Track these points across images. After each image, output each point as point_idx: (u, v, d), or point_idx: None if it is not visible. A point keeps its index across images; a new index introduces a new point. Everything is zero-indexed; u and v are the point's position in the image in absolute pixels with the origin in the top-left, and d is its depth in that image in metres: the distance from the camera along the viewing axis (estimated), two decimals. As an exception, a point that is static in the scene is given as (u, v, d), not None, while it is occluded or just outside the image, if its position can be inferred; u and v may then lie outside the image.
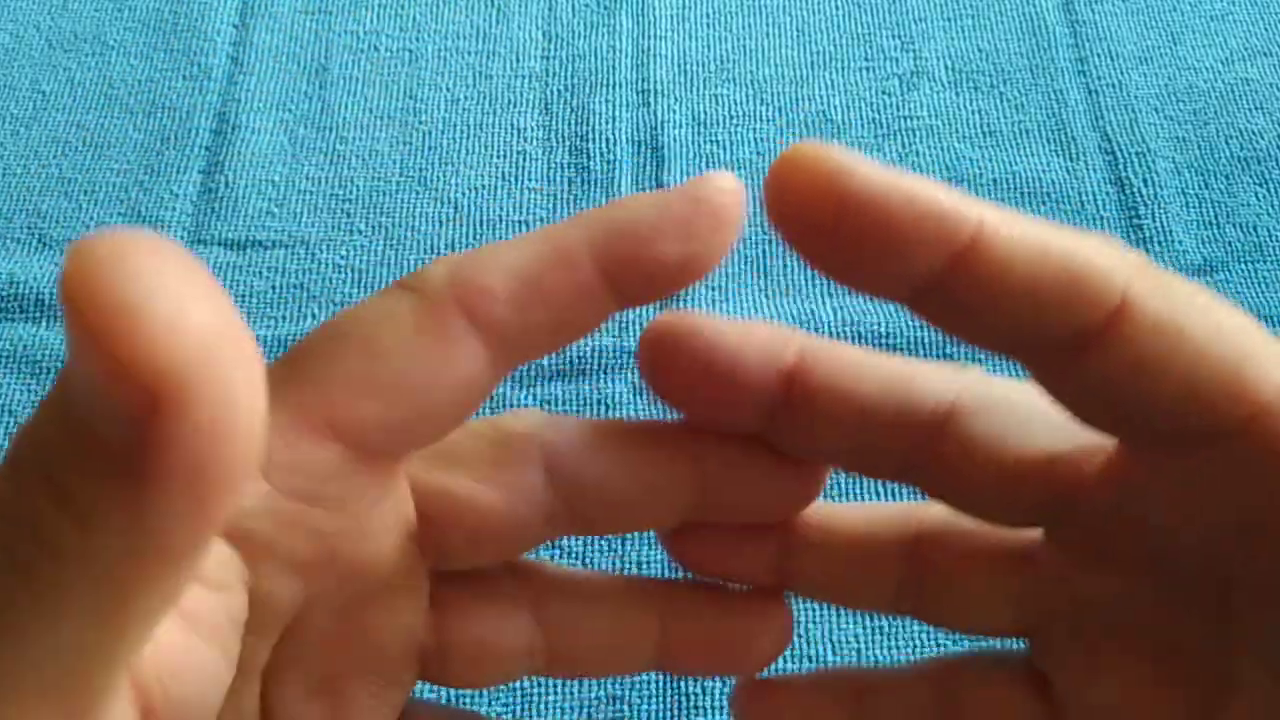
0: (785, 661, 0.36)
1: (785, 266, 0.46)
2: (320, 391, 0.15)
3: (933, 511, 0.20)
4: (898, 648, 0.37)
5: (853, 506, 0.20)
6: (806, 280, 0.45)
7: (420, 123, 0.51)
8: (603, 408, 0.42)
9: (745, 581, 0.20)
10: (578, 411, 0.42)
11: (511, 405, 0.42)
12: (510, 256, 0.16)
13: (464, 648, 0.19)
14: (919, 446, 0.17)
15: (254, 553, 0.15)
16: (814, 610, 0.37)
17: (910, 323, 0.43)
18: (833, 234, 0.15)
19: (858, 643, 0.37)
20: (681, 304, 0.44)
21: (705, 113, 0.51)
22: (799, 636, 0.37)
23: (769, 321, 0.18)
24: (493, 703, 0.36)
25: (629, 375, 0.43)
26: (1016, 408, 0.18)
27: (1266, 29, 0.53)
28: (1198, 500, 0.16)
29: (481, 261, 0.16)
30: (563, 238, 0.16)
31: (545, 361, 0.43)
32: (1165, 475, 0.16)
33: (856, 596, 0.20)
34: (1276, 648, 0.16)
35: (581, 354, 0.43)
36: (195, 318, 0.10)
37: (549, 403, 0.42)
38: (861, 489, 0.40)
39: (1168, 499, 0.16)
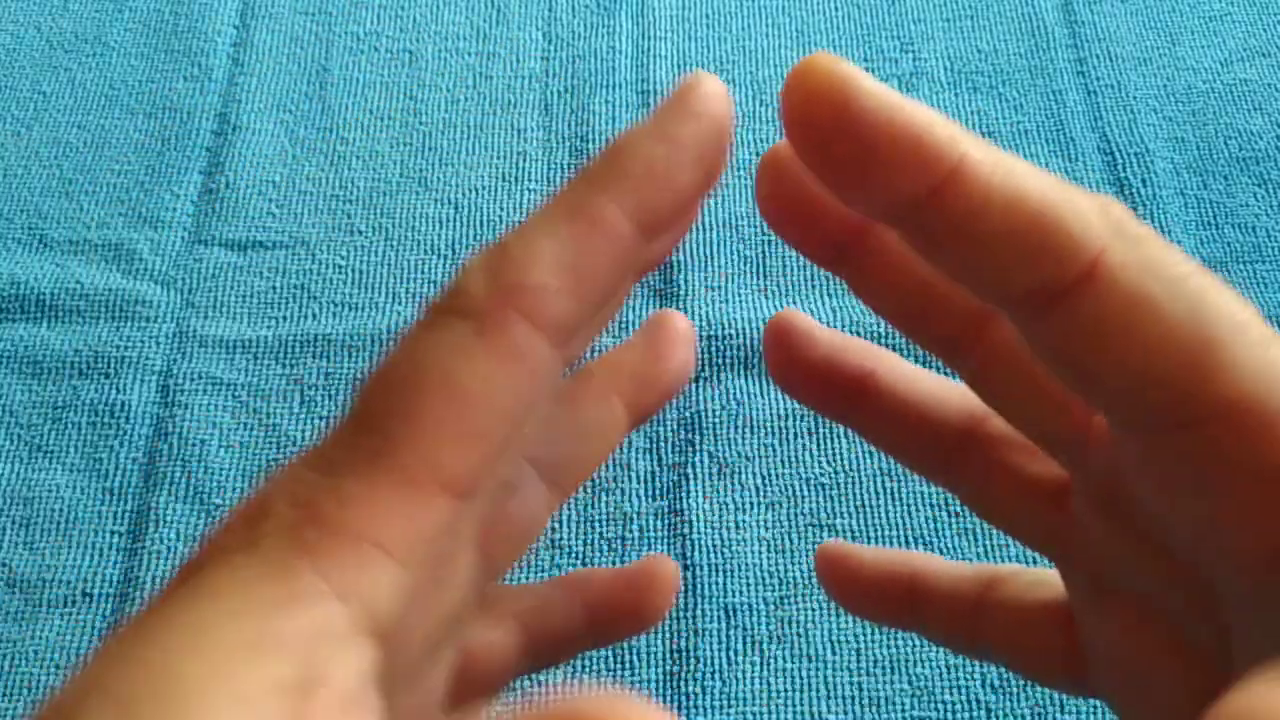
0: (787, 660, 0.36)
1: (785, 267, 0.46)
2: (422, 452, 0.14)
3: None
4: (897, 648, 0.37)
5: (929, 375, 0.21)
6: (806, 280, 0.45)
7: (420, 123, 0.51)
8: (603, 408, 0.42)
9: (829, 413, 0.21)
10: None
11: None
12: (546, 244, 0.15)
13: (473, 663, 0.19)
14: (968, 330, 0.18)
15: (387, 640, 0.14)
16: (815, 610, 0.38)
17: (910, 323, 0.43)
18: (830, 140, 0.15)
19: (858, 642, 0.37)
20: (681, 302, 0.44)
21: (705, 113, 0.51)
22: (799, 636, 0.37)
23: None
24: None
25: (629, 375, 0.43)
26: None
27: (1265, 29, 0.53)
28: (1172, 489, 0.15)
29: (519, 258, 0.15)
30: (589, 206, 0.15)
31: (545, 361, 0.43)
32: (1141, 454, 0.16)
33: (912, 452, 0.20)
34: (1257, 649, 0.15)
35: (582, 354, 0.43)
36: None
37: (549, 403, 0.42)
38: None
39: (1147, 479, 0.16)
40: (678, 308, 0.44)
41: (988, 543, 0.39)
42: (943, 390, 0.20)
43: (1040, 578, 0.20)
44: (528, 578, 0.38)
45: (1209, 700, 0.16)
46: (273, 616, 0.13)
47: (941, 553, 0.39)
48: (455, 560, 0.16)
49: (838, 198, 0.15)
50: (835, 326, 0.43)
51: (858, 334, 0.43)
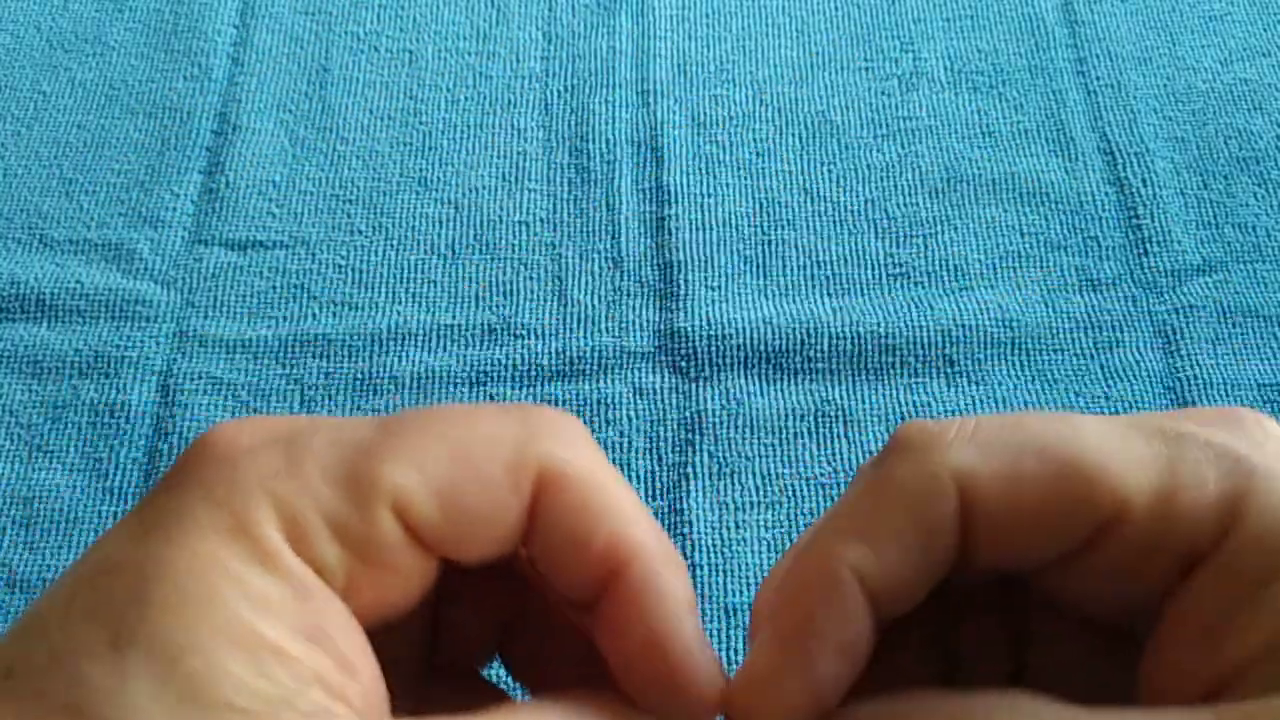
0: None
1: (785, 267, 0.46)
2: (390, 464, 0.16)
3: None
4: (897, 647, 0.37)
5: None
6: (806, 280, 0.45)
7: (420, 123, 0.51)
8: (603, 407, 0.42)
9: None
10: (577, 412, 0.42)
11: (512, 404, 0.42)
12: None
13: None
14: None
15: None
16: (814, 610, 0.38)
17: (909, 323, 0.43)
18: None
19: (857, 642, 0.37)
20: (681, 303, 0.44)
21: (705, 113, 0.51)
22: (799, 636, 0.37)
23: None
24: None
25: (629, 375, 0.43)
26: None
27: (1266, 29, 0.53)
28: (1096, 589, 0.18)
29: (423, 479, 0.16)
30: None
31: (545, 361, 0.43)
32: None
33: None
34: None
35: (581, 354, 0.43)
36: None
37: (549, 402, 0.42)
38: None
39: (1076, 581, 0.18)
40: (677, 308, 0.44)
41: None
42: None
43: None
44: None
45: None
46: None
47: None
48: None
49: None
50: (835, 326, 0.43)
51: (858, 334, 0.43)
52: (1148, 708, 0.16)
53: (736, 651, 0.37)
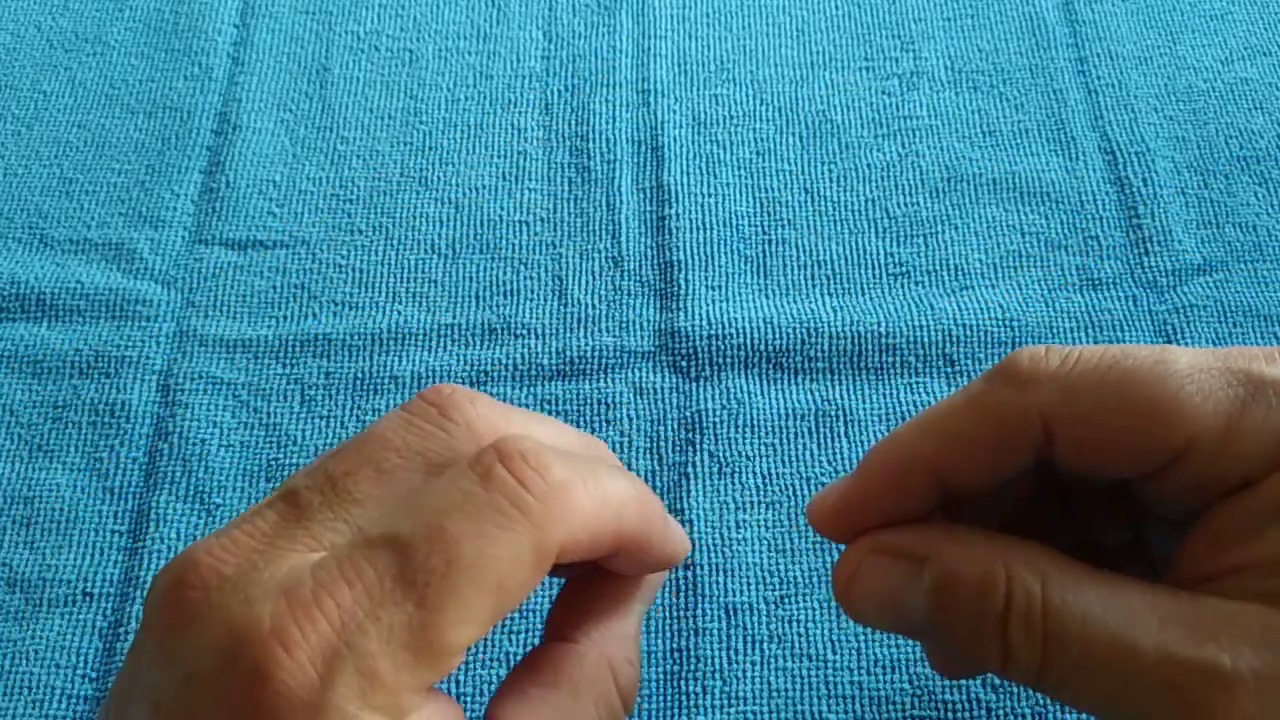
0: (787, 660, 0.36)
1: (785, 266, 0.46)
2: (455, 630, 0.19)
3: None
4: (898, 648, 0.37)
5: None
6: (806, 280, 0.45)
7: (420, 123, 0.51)
8: (603, 407, 0.42)
9: None
10: (578, 411, 0.42)
11: (512, 404, 0.42)
12: (595, 515, 0.20)
13: None
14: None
15: None
16: (815, 610, 0.38)
17: (909, 322, 0.43)
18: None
19: (858, 642, 0.37)
20: (681, 302, 0.44)
21: (705, 113, 0.51)
22: (799, 636, 0.37)
23: None
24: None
25: (629, 375, 0.43)
26: None
27: (1266, 29, 0.53)
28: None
29: (581, 513, 0.20)
30: (626, 518, 0.21)
31: (545, 361, 0.43)
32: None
33: None
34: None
35: (582, 354, 0.43)
36: None
37: (549, 402, 0.42)
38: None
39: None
40: (678, 307, 0.44)
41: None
42: None
43: None
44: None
45: None
46: None
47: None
48: None
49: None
50: (836, 326, 0.43)
51: (858, 333, 0.43)
52: (1147, 583, 0.19)
53: (736, 651, 0.37)
